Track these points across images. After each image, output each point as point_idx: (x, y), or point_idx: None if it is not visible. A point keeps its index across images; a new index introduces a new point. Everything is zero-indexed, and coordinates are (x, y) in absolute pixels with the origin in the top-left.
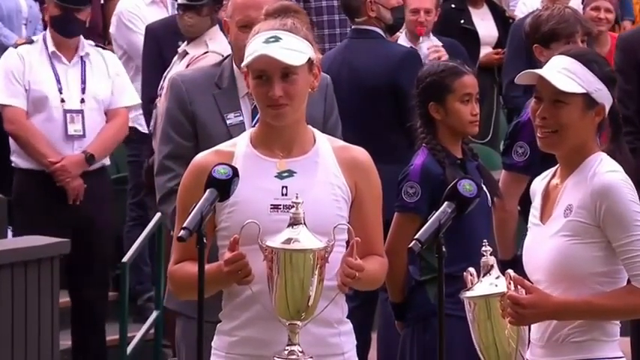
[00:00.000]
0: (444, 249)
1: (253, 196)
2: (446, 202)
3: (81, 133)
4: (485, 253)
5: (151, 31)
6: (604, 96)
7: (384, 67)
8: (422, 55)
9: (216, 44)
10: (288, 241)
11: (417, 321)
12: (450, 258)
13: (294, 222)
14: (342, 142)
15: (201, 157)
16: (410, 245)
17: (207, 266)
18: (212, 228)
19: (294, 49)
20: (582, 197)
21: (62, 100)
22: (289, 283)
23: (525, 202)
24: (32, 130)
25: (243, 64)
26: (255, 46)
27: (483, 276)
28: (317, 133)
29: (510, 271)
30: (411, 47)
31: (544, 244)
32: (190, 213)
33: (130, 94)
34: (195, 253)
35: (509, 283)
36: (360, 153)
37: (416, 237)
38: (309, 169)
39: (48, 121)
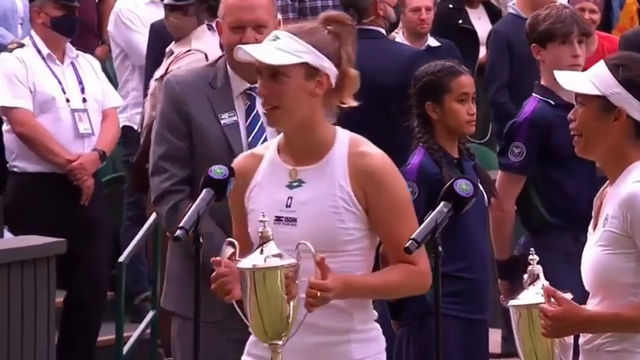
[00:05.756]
0: (440, 249)
1: (264, 207)
2: (442, 202)
3: (90, 131)
4: (532, 262)
5: (156, 29)
6: (623, 99)
7: (394, 67)
8: None
9: (200, 43)
10: (257, 260)
11: (412, 320)
12: (445, 257)
13: (263, 240)
14: (362, 148)
15: (238, 160)
16: (406, 245)
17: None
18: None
19: (285, 50)
20: (614, 207)
21: (67, 100)
22: (262, 303)
23: (522, 202)
24: (43, 131)
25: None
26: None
27: (529, 285)
28: (340, 134)
29: (544, 282)
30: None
31: (589, 253)
32: (187, 212)
33: (116, 96)
34: None
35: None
36: (375, 161)
37: (412, 237)
38: (317, 180)
39: (56, 122)
